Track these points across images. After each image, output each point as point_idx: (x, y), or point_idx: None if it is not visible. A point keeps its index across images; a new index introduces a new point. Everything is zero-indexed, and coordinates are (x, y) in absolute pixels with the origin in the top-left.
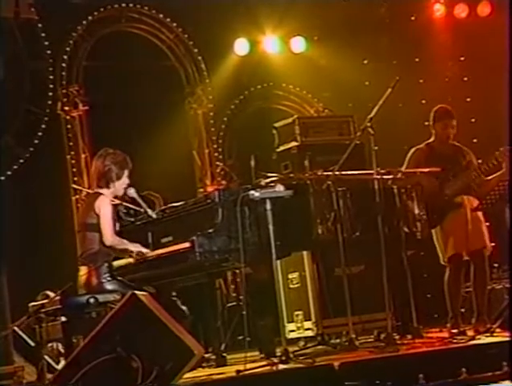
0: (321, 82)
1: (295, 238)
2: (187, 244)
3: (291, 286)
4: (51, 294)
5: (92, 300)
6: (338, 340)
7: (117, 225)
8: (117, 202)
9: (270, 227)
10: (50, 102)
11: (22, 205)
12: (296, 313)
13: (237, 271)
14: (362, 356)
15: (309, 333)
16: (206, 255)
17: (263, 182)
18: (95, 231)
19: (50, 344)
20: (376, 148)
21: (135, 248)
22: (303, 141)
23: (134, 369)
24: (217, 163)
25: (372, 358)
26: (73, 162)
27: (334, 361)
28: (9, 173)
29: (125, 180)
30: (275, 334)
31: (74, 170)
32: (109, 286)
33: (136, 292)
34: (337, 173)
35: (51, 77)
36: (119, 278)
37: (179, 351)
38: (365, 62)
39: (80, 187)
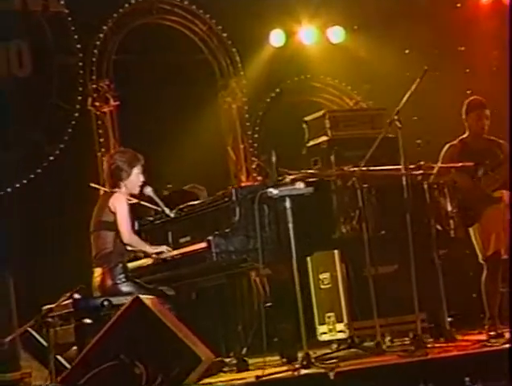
0: (361, 73)
1: (316, 237)
2: (203, 245)
3: (322, 287)
4: (77, 296)
5: (106, 303)
6: (372, 343)
7: (136, 225)
8: (134, 201)
9: (290, 225)
10: (80, 97)
11: (51, 204)
12: (328, 314)
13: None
14: (389, 361)
15: (341, 335)
16: (223, 255)
17: (288, 178)
18: (109, 229)
19: (74, 348)
20: (419, 141)
21: (152, 249)
22: (333, 135)
23: (137, 375)
24: (253, 159)
25: (396, 362)
26: (104, 158)
27: (357, 365)
28: (38, 170)
29: (137, 178)
30: (297, 338)
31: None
32: (124, 288)
33: (140, 296)
34: (362, 169)
35: (80, 72)
36: (135, 280)
37: (185, 356)
38: (407, 52)
39: (97, 186)
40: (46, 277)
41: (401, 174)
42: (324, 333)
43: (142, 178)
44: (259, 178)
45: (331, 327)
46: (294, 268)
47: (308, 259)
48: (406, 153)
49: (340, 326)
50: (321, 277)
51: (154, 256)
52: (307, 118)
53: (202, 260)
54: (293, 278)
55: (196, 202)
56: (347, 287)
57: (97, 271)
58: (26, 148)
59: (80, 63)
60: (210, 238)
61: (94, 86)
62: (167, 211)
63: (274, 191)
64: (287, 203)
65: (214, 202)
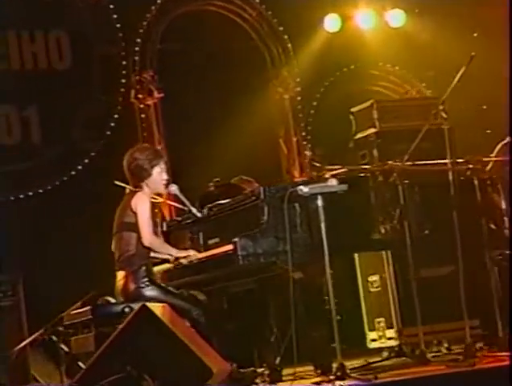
0: (423, 59)
1: (352, 238)
2: (229, 247)
3: (372, 290)
4: (112, 300)
5: (127, 309)
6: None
7: (164, 225)
8: (160, 200)
9: (323, 226)
10: (122, 90)
11: (91, 202)
12: (377, 320)
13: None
14: (434, 371)
15: (392, 343)
16: (250, 258)
17: (328, 174)
18: (131, 230)
19: None
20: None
21: (178, 252)
22: (381, 127)
23: None
24: (306, 152)
25: (441, 373)
26: None
27: (398, 377)
28: (78, 167)
29: (159, 176)
30: (330, 347)
31: None
32: (147, 292)
33: (148, 304)
34: (402, 163)
35: (123, 63)
36: (160, 284)
37: (195, 369)
38: (475, 35)
39: (122, 184)
40: (67, 280)
41: (446, 169)
42: (374, 340)
43: (165, 176)
44: (313, 173)
45: (381, 334)
46: (327, 271)
47: (356, 260)
48: (467, 147)
49: (390, 333)
50: (370, 279)
51: (177, 260)
52: (353, 109)
53: (228, 264)
54: (324, 282)
55: (224, 201)
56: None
57: (120, 274)
58: (65, 144)
59: (123, 54)
60: (236, 240)
61: (137, 77)
62: (193, 210)
63: (304, 189)
64: (319, 202)
65: (242, 201)
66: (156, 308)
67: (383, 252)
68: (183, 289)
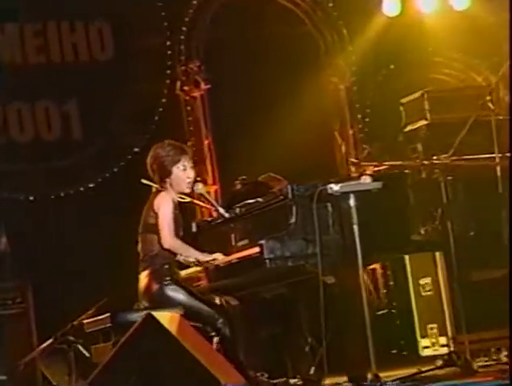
0: (490, 45)
1: (388, 240)
2: (256, 249)
3: (423, 294)
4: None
5: None
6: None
7: (194, 226)
8: (188, 199)
9: (355, 227)
10: (167, 81)
11: (135, 200)
12: (430, 326)
13: (388, 273)
14: (478, 382)
15: (446, 350)
16: (277, 261)
17: (369, 170)
18: (154, 232)
19: None
20: None
21: (203, 256)
22: (433, 118)
23: None
24: (363, 146)
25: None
26: (194, 149)
27: None
28: (121, 164)
29: (183, 174)
30: (365, 356)
31: (195, 158)
32: (170, 292)
33: (154, 313)
34: (445, 158)
35: (168, 53)
36: (185, 286)
37: (201, 380)
38: None
39: (148, 182)
40: (83, 286)
41: (494, 164)
42: (427, 347)
43: (190, 174)
44: (371, 168)
45: (434, 341)
46: (360, 275)
47: (407, 261)
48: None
49: (443, 340)
50: (421, 282)
51: (204, 263)
52: (403, 100)
53: (255, 268)
54: (357, 288)
55: (252, 200)
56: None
57: (143, 275)
58: (107, 140)
59: (167, 43)
60: (262, 242)
61: (183, 68)
62: (221, 210)
63: (334, 188)
64: (351, 201)
65: (270, 200)
66: (163, 317)
67: (436, 253)
68: (214, 294)
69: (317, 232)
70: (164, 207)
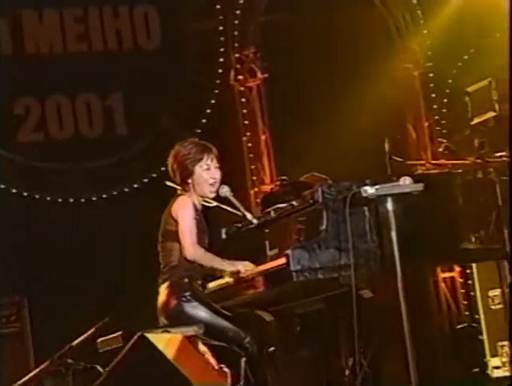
0: None
1: (432, 249)
2: (282, 260)
3: (492, 307)
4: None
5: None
6: None
7: (223, 232)
8: (214, 204)
9: (393, 234)
10: (220, 71)
11: None
12: (500, 343)
13: (469, 283)
14: None
15: None
16: (306, 274)
17: (421, 170)
18: (173, 240)
19: None
20: None
21: (228, 265)
22: (502, 110)
23: None
24: (440, 140)
25: None
26: (250, 145)
27: None
28: None
29: (206, 175)
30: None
31: (251, 155)
32: (189, 308)
33: (146, 333)
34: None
35: (221, 39)
36: (207, 301)
37: None
38: None
39: (174, 185)
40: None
41: None
42: (497, 367)
43: (214, 175)
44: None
45: (504, 360)
46: (399, 289)
47: (474, 270)
48: None
49: None
50: (491, 294)
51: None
52: (469, 89)
53: (281, 281)
54: (397, 302)
55: (283, 204)
56: None
57: (162, 288)
58: (154, 136)
59: (220, 29)
60: (288, 252)
61: (237, 56)
62: (248, 216)
63: (369, 190)
64: (389, 205)
65: (300, 204)
66: (159, 338)
67: (505, 262)
68: (246, 309)
69: (350, 240)
70: (184, 212)
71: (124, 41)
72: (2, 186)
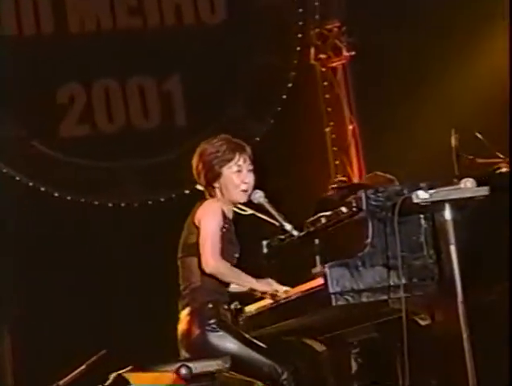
0: None
1: (499, 265)
2: (319, 281)
3: None
4: None
5: (184, 371)
6: None
7: (264, 246)
8: (249, 211)
9: (452, 248)
10: (298, 48)
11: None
12: None
13: None
14: None
15: None
16: (347, 297)
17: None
18: (194, 254)
19: None
20: None
21: (260, 284)
22: None
23: None
24: None
25: None
26: (334, 136)
27: None
28: None
29: (237, 178)
30: None
31: (335, 148)
32: (215, 339)
33: (127, 375)
34: None
35: (299, 11)
36: (235, 330)
37: None
38: None
39: (200, 187)
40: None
41: None
42: None
43: (246, 178)
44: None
45: None
46: (460, 314)
47: None
48: None
49: None
50: None
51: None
52: None
53: (319, 305)
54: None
55: (327, 213)
56: None
57: (183, 314)
58: (220, 127)
59: None
60: (326, 270)
61: (317, 30)
62: (287, 227)
63: (422, 195)
64: (447, 213)
65: (344, 213)
66: (143, 378)
67: None
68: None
69: (399, 254)
70: (208, 219)
71: (184, 15)
72: (42, 189)
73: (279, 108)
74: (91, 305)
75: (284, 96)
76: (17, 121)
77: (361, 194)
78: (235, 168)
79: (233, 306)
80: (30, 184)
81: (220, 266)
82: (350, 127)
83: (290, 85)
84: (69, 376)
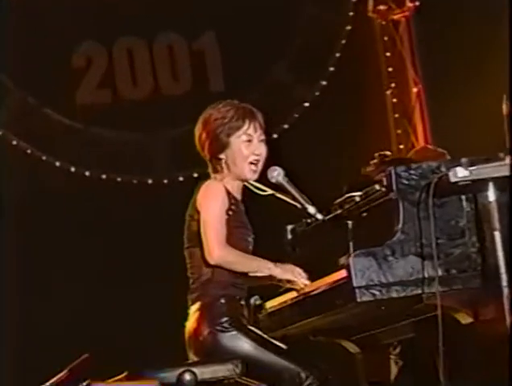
0: None
1: None
2: (342, 273)
3: None
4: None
5: (188, 376)
6: None
7: (288, 232)
8: (269, 192)
9: (497, 235)
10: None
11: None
12: None
13: None
14: None
15: None
16: (374, 292)
17: None
18: (201, 244)
19: None
20: None
21: (278, 269)
22: None
23: None
24: None
25: None
26: (395, 101)
27: None
28: (284, 126)
29: (243, 148)
30: None
31: (397, 115)
32: (226, 340)
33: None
34: None
35: None
36: (251, 329)
37: None
38: None
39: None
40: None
41: None
42: None
43: (257, 150)
44: None
45: None
46: (506, 310)
47: None
48: None
49: None
50: None
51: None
52: None
53: (344, 301)
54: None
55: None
56: None
57: (192, 310)
58: (265, 92)
59: None
60: (350, 261)
61: None
62: (310, 209)
63: (460, 173)
64: (490, 194)
65: (372, 194)
66: None
67: None
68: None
69: (433, 241)
70: (210, 202)
71: None
72: (57, 164)
73: (332, 69)
74: (109, 291)
75: (337, 55)
76: (25, 86)
77: (391, 171)
78: (244, 137)
79: (252, 301)
80: (44, 158)
81: (225, 254)
82: (414, 90)
83: (344, 42)
84: (52, 381)
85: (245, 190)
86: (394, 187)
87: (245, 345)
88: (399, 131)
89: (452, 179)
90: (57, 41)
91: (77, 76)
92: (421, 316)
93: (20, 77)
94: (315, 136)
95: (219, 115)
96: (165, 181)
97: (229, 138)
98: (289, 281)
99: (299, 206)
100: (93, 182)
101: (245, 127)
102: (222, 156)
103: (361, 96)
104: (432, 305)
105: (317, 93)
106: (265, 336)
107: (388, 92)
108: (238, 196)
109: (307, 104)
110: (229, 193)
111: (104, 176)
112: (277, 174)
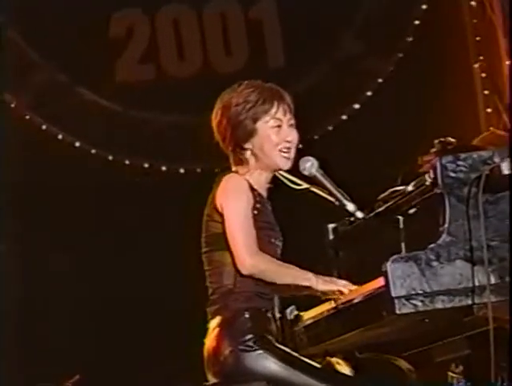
0: None
1: None
2: (380, 281)
3: None
4: None
5: None
6: None
7: (330, 231)
8: (305, 186)
9: None
10: None
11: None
12: None
13: None
14: None
15: None
16: (415, 302)
17: None
18: (223, 248)
19: None
20: None
21: (319, 281)
22: None
23: None
24: None
25: None
26: (484, 75)
27: None
28: (355, 106)
29: (274, 134)
30: None
31: (486, 92)
32: (252, 361)
33: None
34: None
35: None
36: (279, 347)
37: None
38: None
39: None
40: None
41: None
42: None
43: (289, 136)
44: None
45: None
46: None
47: None
48: None
49: None
50: None
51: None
52: None
53: (383, 313)
54: None
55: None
56: None
57: (211, 326)
58: (333, 66)
59: None
60: (387, 267)
61: None
62: (349, 206)
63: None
64: None
65: (417, 189)
66: None
67: None
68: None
69: (484, 244)
70: (232, 201)
71: None
72: (93, 151)
73: (410, 39)
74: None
75: (417, 22)
76: (55, 60)
77: (435, 162)
78: (272, 122)
79: (288, 312)
80: (77, 145)
81: (258, 263)
82: (507, 62)
83: (424, 7)
84: None
85: (271, 187)
86: (440, 181)
87: (272, 365)
88: (489, 110)
89: (506, 171)
90: (92, 7)
91: (116, 50)
92: (475, 330)
93: (48, 50)
94: (389, 117)
95: (240, 99)
96: (216, 170)
97: (255, 124)
98: (329, 294)
99: (336, 202)
100: (134, 171)
101: (274, 111)
102: (248, 145)
103: (443, 71)
104: (484, 318)
105: (392, 68)
106: (295, 354)
107: (476, 66)
108: (264, 193)
109: (380, 80)
110: (253, 189)
111: (146, 165)
112: (310, 164)
